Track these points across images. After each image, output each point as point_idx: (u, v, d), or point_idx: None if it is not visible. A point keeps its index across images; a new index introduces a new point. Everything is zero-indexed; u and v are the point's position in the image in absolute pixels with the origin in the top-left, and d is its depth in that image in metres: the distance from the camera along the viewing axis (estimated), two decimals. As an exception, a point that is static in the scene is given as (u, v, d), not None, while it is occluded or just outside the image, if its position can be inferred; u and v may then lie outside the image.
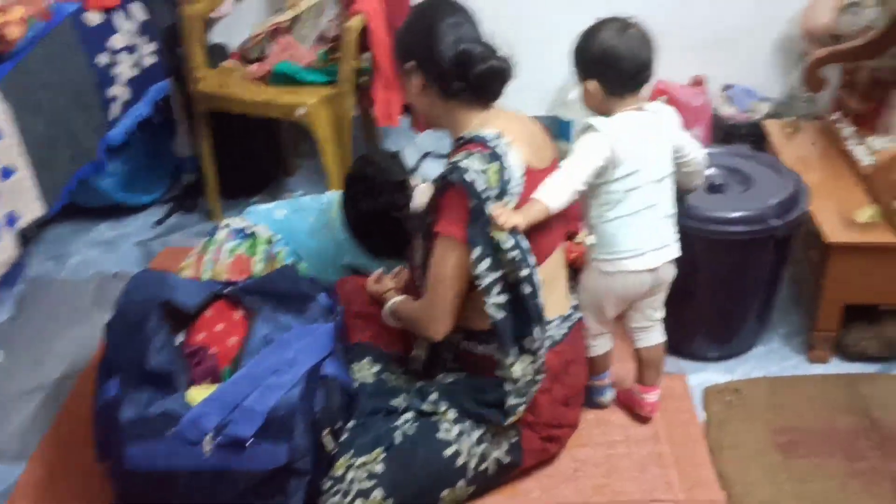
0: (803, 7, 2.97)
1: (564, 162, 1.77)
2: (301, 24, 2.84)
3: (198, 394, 1.73)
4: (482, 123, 1.75)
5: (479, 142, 1.70)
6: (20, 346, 2.37)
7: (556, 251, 1.85)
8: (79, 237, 2.94)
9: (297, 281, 2.01)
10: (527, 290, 1.68)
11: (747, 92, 3.10)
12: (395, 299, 1.94)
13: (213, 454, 1.64)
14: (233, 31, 3.08)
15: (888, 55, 2.42)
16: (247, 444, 1.64)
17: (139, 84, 2.71)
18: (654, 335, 2.00)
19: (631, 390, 2.06)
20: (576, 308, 1.93)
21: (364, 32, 2.60)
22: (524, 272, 1.67)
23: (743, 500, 1.84)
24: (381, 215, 2.16)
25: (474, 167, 1.65)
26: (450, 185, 1.67)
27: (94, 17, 2.51)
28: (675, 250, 1.88)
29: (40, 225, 2.74)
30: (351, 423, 1.79)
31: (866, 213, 2.10)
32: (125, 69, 2.62)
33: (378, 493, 1.69)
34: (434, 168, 3.09)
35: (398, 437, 1.76)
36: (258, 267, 2.23)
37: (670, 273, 1.90)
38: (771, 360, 2.27)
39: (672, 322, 2.23)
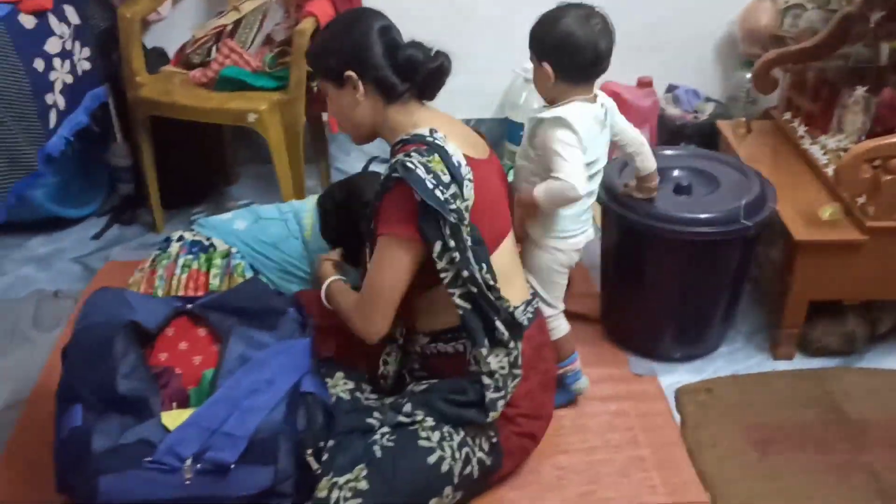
0: (743, 9, 3.04)
1: (557, 158, 1.79)
2: (244, 28, 2.75)
3: (171, 419, 1.64)
4: (415, 125, 1.74)
5: (416, 141, 1.70)
6: (-45, 374, 2.19)
7: (508, 237, 1.84)
8: (10, 253, 2.76)
9: (265, 295, 1.94)
10: (473, 290, 1.67)
11: (692, 92, 3.15)
12: (334, 278, 1.89)
13: (194, 481, 1.56)
14: (168, 35, 2.96)
15: (835, 56, 2.49)
16: (229, 470, 1.57)
17: (75, 91, 2.55)
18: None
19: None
20: (534, 294, 1.94)
21: (315, 35, 2.52)
22: (465, 273, 1.66)
23: (725, 500, 1.85)
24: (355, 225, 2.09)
25: (416, 160, 1.64)
26: (394, 182, 1.65)
27: (28, 20, 2.34)
28: (593, 232, 2.02)
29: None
30: (330, 443, 1.72)
31: (827, 210, 2.14)
32: (62, 75, 2.46)
33: None
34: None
35: (378, 451, 1.70)
36: (215, 282, 2.13)
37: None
38: (737, 358, 2.29)
39: (641, 324, 2.25)
